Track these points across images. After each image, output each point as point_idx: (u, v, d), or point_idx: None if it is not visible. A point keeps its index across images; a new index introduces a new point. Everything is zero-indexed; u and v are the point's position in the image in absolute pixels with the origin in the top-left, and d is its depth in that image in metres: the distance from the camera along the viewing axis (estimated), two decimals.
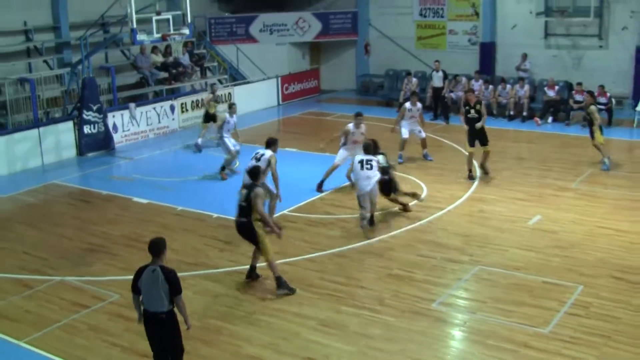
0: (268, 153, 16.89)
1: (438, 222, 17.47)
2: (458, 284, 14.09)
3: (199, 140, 25.15)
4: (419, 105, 22.95)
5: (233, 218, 14.33)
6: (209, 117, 24.96)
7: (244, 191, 14.02)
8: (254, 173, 14.36)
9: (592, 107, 21.85)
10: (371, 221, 17.22)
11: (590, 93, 23.30)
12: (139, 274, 10.19)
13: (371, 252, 15.81)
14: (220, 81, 32.52)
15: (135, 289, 10.22)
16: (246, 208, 13.80)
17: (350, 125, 20.19)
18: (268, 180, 16.76)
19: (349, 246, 16.11)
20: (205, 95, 27.73)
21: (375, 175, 16.93)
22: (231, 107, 22.79)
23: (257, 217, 13.78)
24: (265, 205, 14.69)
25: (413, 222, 17.43)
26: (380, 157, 17.81)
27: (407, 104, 22.99)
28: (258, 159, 16.66)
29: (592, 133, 21.69)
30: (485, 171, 21.08)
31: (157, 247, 10.18)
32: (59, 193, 21.26)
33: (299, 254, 15.76)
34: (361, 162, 17.00)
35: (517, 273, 14.42)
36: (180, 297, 10.12)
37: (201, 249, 16.30)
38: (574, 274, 14.28)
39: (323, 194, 19.90)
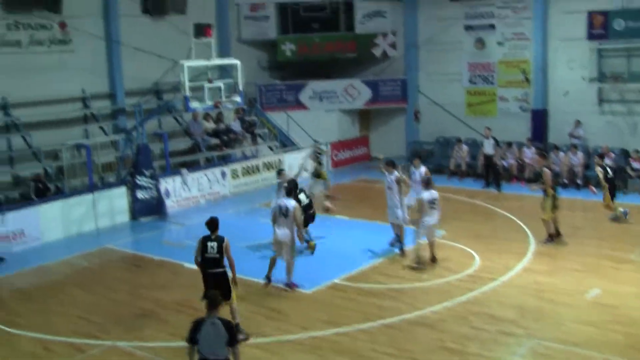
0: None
1: (491, 294, 17.16)
2: (513, 358, 13.78)
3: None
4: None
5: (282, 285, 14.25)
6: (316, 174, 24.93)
7: (214, 244, 14.67)
8: (214, 223, 15.02)
9: (545, 170, 21.41)
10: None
11: (542, 155, 23.17)
12: (197, 326, 10.69)
13: (423, 323, 15.56)
14: (270, 148, 32.73)
15: (194, 340, 10.65)
16: (220, 259, 14.54)
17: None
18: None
19: (401, 317, 15.86)
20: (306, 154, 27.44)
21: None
22: (280, 173, 22.76)
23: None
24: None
25: (465, 293, 17.18)
26: (302, 195, 19.95)
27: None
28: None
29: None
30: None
31: (214, 300, 10.85)
32: (112, 257, 21.43)
33: (349, 323, 15.56)
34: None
35: (576, 349, 13.97)
36: (237, 346, 10.77)
37: (249, 317, 16.19)
38: (638, 353, 13.80)
39: (375, 262, 19.71)
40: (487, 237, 21.91)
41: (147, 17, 31.36)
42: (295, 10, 36.09)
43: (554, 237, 20.90)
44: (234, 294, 14.70)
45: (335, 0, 36.14)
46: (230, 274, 14.68)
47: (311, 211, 20.65)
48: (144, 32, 30.66)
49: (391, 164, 20.53)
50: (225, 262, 14.70)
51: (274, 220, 17.73)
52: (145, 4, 31.24)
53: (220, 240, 14.69)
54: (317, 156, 24.78)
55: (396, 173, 20.40)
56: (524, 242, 21.13)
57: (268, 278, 17.92)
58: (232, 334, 10.74)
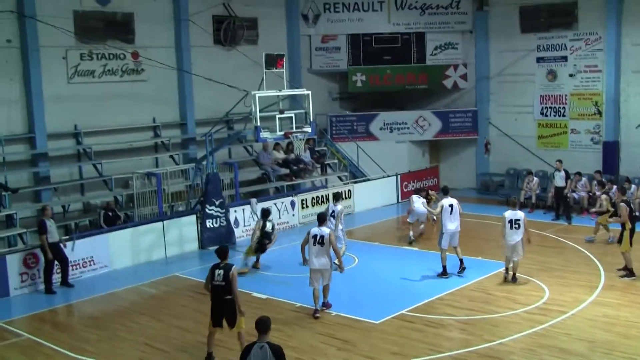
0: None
1: (560, 327, 16.89)
2: None
3: None
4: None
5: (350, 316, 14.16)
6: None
7: (221, 271, 14.87)
8: (222, 252, 15.22)
9: (621, 204, 20.98)
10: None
11: (621, 189, 22.66)
12: (247, 351, 10.88)
13: (492, 355, 15.37)
14: (340, 178, 32.81)
15: None
16: (226, 287, 14.76)
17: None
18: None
19: (469, 349, 15.71)
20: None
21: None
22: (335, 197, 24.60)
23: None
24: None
25: (534, 325, 16.94)
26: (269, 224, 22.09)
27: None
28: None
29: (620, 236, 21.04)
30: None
31: (264, 325, 11.06)
32: (180, 285, 21.57)
33: (417, 355, 15.46)
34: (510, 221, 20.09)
35: None
36: None
37: (318, 347, 16.18)
38: None
39: (443, 293, 19.59)
40: (557, 269, 21.61)
41: (219, 48, 31.84)
42: (366, 41, 36.25)
43: (632, 272, 20.47)
44: (240, 322, 15.03)
45: (407, 31, 36.21)
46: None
47: (266, 242, 22.27)
48: (216, 63, 31.14)
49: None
50: None
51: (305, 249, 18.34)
52: (217, 35, 31.71)
53: (227, 269, 14.90)
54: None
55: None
56: (595, 275, 20.81)
57: (316, 310, 18.27)
58: (280, 357, 10.76)
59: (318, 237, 17.75)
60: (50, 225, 21.42)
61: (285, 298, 19.59)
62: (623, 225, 20.68)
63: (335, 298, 18.87)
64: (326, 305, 18.45)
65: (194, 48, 30.49)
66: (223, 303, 14.91)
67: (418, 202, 25.35)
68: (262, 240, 22.34)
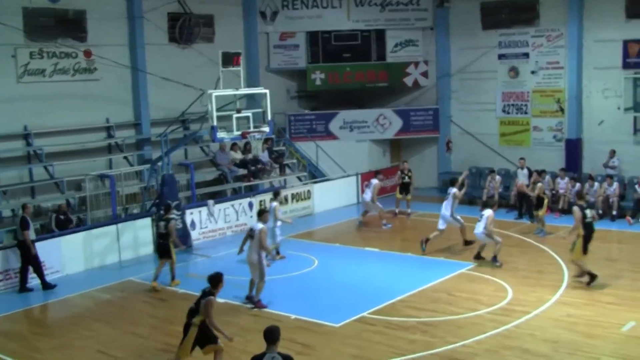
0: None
1: (524, 327, 16.93)
2: None
3: None
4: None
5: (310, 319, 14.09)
6: None
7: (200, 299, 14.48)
8: (212, 279, 14.88)
9: (575, 208, 20.42)
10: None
11: (578, 194, 21.87)
12: None
13: (455, 357, 15.37)
14: (299, 178, 32.76)
15: None
16: (195, 310, 14.32)
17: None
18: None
19: (432, 351, 15.68)
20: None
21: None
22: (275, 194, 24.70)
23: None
24: None
25: (498, 326, 16.98)
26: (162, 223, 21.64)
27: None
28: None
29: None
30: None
31: (273, 335, 11.09)
32: (135, 290, 21.34)
33: (379, 358, 15.42)
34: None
35: None
36: None
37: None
38: None
39: (405, 295, 19.58)
40: (521, 269, 21.71)
41: (174, 46, 31.62)
42: (325, 39, 36.17)
43: (593, 275, 20.11)
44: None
45: (367, 28, 36.23)
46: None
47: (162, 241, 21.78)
48: (171, 61, 30.90)
49: None
50: None
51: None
52: (173, 33, 31.49)
53: (204, 296, 14.51)
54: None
55: None
56: (558, 274, 20.94)
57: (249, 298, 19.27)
58: None
59: (251, 230, 18.91)
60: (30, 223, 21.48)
61: (243, 302, 19.41)
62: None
63: (294, 301, 18.82)
64: (255, 302, 18.98)
65: (149, 46, 30.19)
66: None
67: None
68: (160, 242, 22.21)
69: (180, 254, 25.05)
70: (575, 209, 20.21)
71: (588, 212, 20.33)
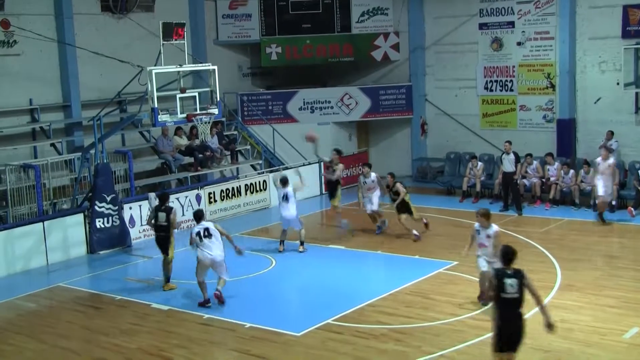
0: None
1: None
2: None
3: None
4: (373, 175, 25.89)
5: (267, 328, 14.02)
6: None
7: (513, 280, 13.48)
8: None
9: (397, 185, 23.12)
10: None
11: (391, 174, 25.34)
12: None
13: None
14: (254, 167, 32.66)
15: None
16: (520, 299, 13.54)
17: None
18: None
19: None
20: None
21: None
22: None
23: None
24: None
25: (482, 333, 16.96)
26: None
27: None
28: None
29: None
30: None
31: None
32: (65, 298, 21.13)
33: None
34: None
35: None
36: None
37: None
38: None
39: (375, 298, 19.53)
40: None
41: (108, 16, 31.34)
42: (282, 7, 36.08)
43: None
44: None
45: None
46: None
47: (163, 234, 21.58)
48: (105, 34, 30.72)
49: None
50: None
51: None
52: (106, 1, 31.19)
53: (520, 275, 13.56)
54: None
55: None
56: (550, 274, 20.94)
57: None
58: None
59: (202, 231, 19.35)
60: None
61: (191, 309, 19.31)
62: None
63: (249, 307, 18.76)
64: (220, 297, 19.57)
65: (78, 16, 29.89)
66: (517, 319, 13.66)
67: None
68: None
69: (117, 255, 24.97)
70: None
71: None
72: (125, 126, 29.15)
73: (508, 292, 13.05)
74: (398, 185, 25.15)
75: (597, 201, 26.54)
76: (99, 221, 25.15)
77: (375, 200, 25.66)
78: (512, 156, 28.95)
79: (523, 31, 33.06)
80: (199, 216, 19.84)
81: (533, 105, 33.21)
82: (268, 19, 36.21)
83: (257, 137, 34.83)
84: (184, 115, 24.13)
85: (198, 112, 24.38)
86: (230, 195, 29.46)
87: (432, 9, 35.54)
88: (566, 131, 31.94)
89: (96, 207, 25.07)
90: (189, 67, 25.10)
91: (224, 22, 36.03)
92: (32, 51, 28.61)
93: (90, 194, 25.50)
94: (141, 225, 26.54)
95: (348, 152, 35.31)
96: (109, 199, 25.30)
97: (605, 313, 17.97)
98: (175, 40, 23.88)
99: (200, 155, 30.64)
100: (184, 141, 30.98)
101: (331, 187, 27.68)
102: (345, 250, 24.52)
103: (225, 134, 32.94)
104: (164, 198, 21.66)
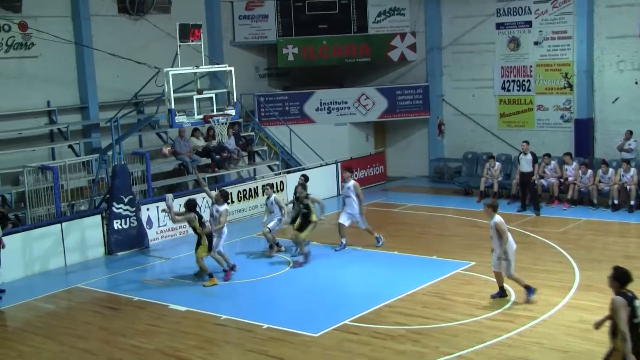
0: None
1: (530, 335, 16.88)
2: None
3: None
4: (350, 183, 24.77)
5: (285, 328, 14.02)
6: None
7: None
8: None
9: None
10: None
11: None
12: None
13: None
14: (271, 168, 32.69)
15: None
16: None
17: None
18: None
19: None
20: None
21: None
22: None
23: None
24: None
25: (500, 334, 16.94)
26: None
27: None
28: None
29: None
30: None
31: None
32: (83, 299, 21.20)
33: None
34: None
35: None
36: None
37: None
38: None
39: (392, 299, 19.51)
40: (525, 268, 21.53)
41: (125, 17, 31.45)
42: (298, 8, 36.10)
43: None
44: None
45: None
46: None
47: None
48: (121, 35, 30.79)
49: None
50: None
51: None
52: (123, 2, 31.29)
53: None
54: None
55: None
56: (568, 274, 20.91)
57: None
58: None
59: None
60: None
61: (208, 310, 19.34)
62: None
63: (266, 308, 18.76)
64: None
65: (95, 18, 30.03)
66: None
67: None
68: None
69: (134, 256, 25.01)
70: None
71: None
72: (143, 127, 29.21)
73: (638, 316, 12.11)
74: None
75: None
76: (117, 222, 25.20)
77: (343, 216, 24.80)
78: (529, 156, 28.89)
79: (540, 31, 32.97)
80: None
81: (551, 105, 33.09)
82: (284, 19, 36.24)
83: (274, 138, 34.85)
84: (201, 116, 24.09)
85: (215, 113, 24.31)
86: (247, 196, 29.48)
87: (448, 9, 35.50)
88: (584, 131, 31.81)
89: (114, 209, 25.12)
90: (205, 69, 25.00)
91: (240, 23, 36.06)
92: (50, 53, 28.70)
93: (107, 196, 25.55)
94: (158, 226, 26.70)
95: (364, 153, 35.34)
96: (126, 200, 25.35)
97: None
98: (192, 41, 23.85)
99: (217, 156, 30.67)
100: (201, 142, 31.03)
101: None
102: (362, 251, 24.47)
103: (242, 135, 32.96)
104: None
